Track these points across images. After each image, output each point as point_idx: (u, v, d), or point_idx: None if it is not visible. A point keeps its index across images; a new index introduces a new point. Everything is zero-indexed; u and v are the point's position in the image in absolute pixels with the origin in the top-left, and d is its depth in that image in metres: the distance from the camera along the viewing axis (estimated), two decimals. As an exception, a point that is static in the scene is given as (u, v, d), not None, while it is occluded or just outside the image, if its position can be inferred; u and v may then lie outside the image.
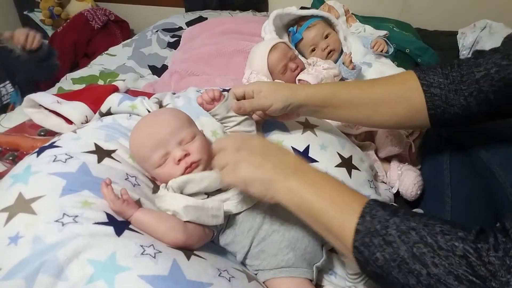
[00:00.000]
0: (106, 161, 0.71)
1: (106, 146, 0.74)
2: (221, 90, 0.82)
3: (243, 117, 0.76)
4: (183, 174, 0.67)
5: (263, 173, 0.56)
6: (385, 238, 0.45)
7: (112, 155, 0.73)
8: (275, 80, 1.19)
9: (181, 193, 0.65)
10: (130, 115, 0.85)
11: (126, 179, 0.70)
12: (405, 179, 0.91)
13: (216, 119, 0.77)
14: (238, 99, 0.75)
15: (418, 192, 0.90)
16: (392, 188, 0.93)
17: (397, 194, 0.92)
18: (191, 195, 0.66)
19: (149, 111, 0.84)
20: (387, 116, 0.71)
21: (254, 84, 0.75)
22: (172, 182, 0.65)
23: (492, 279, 0.40)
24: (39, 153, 0.70)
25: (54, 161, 0.67)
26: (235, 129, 0.76)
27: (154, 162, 0.68)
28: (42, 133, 1.02)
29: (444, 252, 0.42)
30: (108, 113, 0.89)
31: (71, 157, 0.68)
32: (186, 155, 0.68)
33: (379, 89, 0.70)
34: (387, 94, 0.69)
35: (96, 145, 0.73)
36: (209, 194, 0.67)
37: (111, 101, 0.89)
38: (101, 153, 0.72)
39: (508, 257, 0.40)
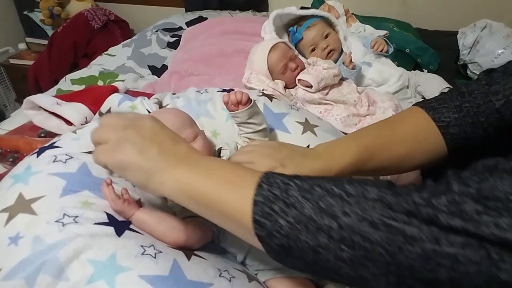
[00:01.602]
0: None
1: (106, 146, 0.74)
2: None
3: (261, 127, 0.77)
4: None
5: (146, 160, 0.48)
6: (287, 201, 0.40)
7: (112, 155, 0.73)
8: (276, 80, 1.19)
9: None
10: (130, 116, 0.85)
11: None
12: (404, 179, 0.91)
13: (235, 121, 0.77)
14: None
15: (418, 192, 0.90)
16: (392, 188, 0.93)
17: (397, 194, 0.92)
18: None
19: (149, 112, 0.84)
20: (411, 168, 0.68)
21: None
22: None
23: (412, 218, 0.35)
24: (39, 153, 0.70)
25: (54, 161, 0.66)
26: (250, 136, 0.77)
27: None
28: (42, 135, 1.02)
29: (354, 199, 0.38)
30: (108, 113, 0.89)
31: (71, 157, 0.68)
32: None
33: (399, 146, 0.65)
34: (407, 150, 0.64)
35: (96, 145, 0.73)
36: None
37: (111, 102, 0.89)
38: (101, 153, 0.72)
39: (435, 197, 0.36)
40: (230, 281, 0.58)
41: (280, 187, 0.42)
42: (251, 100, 0.75)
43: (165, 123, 0.70)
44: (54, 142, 0.74)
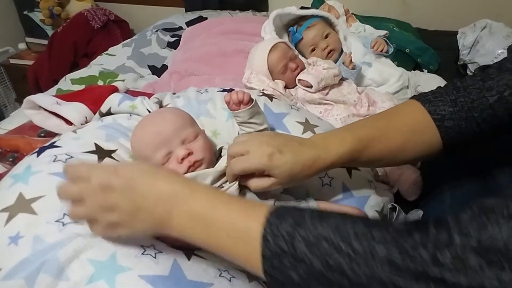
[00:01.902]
0: (106, 161, 0.71)
1: (106, 146, 0.74)
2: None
3: (262, 127, 0.77)
4: (186, 173, 0.67)
5: (142, 226, 0.50)
6: (295, 256, 0.41)
7: (112, 155, 0.73)
8: (276, 80, 1.19)
9: None
10: (130, 115, 0.85)
11: (126, 178, 0.70)
12: (405, 179, 0.91)
13: (236, 120, 0.78)
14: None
15: (418, 192, 0.90)
16: (392, 188, 0.93)
17: (397, 194, 0.92)
18: None
19: (149, 111, 0.84)
20: (406, 160, 0.69)
21: (269, 167, 0.59)
22: None
23: (420, 279, 0.36)
24: (39, 153, 0.70)
25: (54, 161, 0.67)
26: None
27: (157, 161, 0.68)
28: (42, 134, 1.02)
29: (362, 258, 0.39)
30: (108, 113, 0.89)
31: (71, 157, 0.68)
32: (189, 154, 0.68)
33: (395, 138, 0.65)
34: (402, 142, 0.64)
35: (96, 145, 0.73)
36: None
37: (111, 101, 0.89)
38: (101, 153, 0.72)
39: (440, 251, 0.36)
40: (230, 281, 0.58)
41: (285, 240, 0.42)
42: (253, 100, 0.76)
43: (166, 122, 0.71)
44: (54, 142, 0.74)
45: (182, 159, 0.67)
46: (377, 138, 0.64)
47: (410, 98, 0.69)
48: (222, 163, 0.71)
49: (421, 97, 0.67)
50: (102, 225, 0.50)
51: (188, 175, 0.66)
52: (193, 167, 0.68)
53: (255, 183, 0.61)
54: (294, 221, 0.43)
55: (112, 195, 0.49)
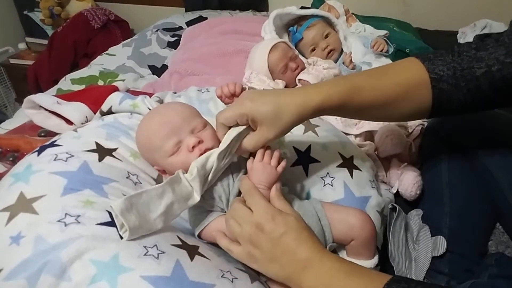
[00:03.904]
0: (107, 159, 0.71)
1: (107, 144, 0.74)
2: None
3: None
4: None
5: (272, 273, 0.57)
6: None
7: (113, 153, 0.73)
8: (276, 80, 1.19)
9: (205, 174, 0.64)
10: (131, 114, 0.85)
11: (127, 177, 0.70)
12: (404, 179, 0.91)
13: None
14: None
15: (418, 192, 0.90)
16: (392, 188, 0.93)
17: (397, 194, 0.92)
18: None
19: (150, 110, 0.84)
20: (395, 114, 0.68)
21: (250, 110, 0.60)
22: (194, 163, 0.63)
23: None
24: (39, 152, 0.69)
25: (55, 160, 0.66)
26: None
27: (167, 150, 0.67)
28: (42, 134, 1.02)
29: None
30: (109, 112, 0.89)
31: (72, 156, 0.68)
32: (199, 142, 0.67)
33: (389, 88, 0.64)
34: (396, 94, 0.64)
35: (97, 143, 0.73)
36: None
37: (112, 100, 0.89)
38: (102, 152, 0.72)
39: None
40: (232, 282, 0.57)
41: None
42: (245, 89, 0.74)
43: (174, 112, 0.70)
44: (55, 141, 0.74)
45: (193, 147, 0.67)
46: (371, 86, 0.64)
47: (410, 56, 0.69)
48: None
49: (421, 55, 0.67)
50: (243, 251, 0.58)
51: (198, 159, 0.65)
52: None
53: (247, 141, 0.63)
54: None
55: (262, 236, 0.56)
